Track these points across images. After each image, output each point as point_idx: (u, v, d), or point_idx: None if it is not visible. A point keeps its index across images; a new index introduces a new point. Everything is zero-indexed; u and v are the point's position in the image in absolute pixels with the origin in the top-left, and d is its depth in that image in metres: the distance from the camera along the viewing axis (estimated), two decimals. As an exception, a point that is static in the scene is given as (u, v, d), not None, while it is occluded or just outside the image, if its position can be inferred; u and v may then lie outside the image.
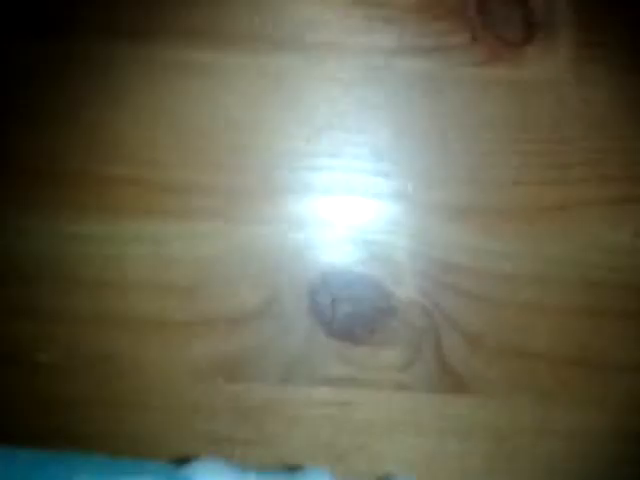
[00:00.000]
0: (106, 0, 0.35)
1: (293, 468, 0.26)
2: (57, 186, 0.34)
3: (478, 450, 0.33)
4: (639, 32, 0.34)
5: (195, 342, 0.33)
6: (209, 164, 0.34)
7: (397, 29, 0.35)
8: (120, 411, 0.32)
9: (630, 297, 0.33)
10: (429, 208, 0.34)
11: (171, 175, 0.34)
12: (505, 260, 0.33)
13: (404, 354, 0.33)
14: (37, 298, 0.33)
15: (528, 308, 0.33)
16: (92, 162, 0.34)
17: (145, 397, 0.33)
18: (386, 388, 0.33)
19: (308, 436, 0.33)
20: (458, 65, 0.34)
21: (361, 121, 0.34)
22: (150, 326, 0.33)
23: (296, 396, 0.33)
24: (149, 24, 0.35)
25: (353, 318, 0.33)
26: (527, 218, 0.33)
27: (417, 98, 0.34)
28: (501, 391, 0.33)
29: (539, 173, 0.34)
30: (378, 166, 0.34)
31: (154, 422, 0.32)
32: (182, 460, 0.25)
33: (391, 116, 0.34)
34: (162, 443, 0.32)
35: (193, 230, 0.34)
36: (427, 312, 0.33)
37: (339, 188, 0.34)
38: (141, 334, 0.33)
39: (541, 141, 0.34)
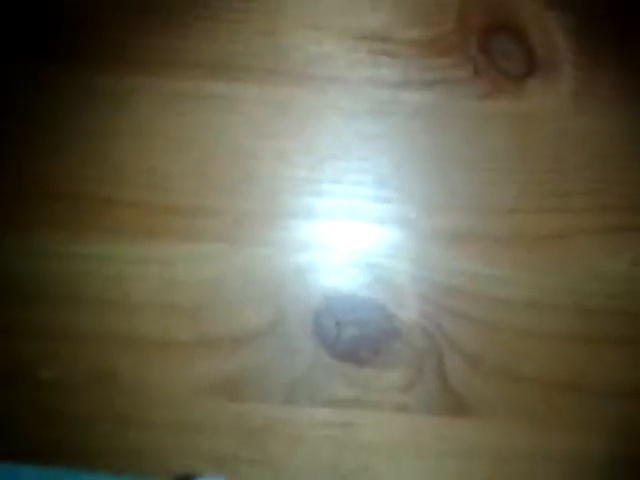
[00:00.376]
0: (118, 30, 0.36)
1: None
2: (64, 207, 0.34)
3: (477, 472, 0.33)
4: (638, 65, 0.36)
5: (198, 362, 0.33)
6: (214, 188, 0.35)
7: (401, 63, 0.36)
8: (122, 428, 0.32)
9: (627, 324, 0.34)
10: (430, 234, 0.34)
11: (176, 198, 0.35)
12: (503, 285, 0.34)
13: (406, 375, 0.33)
14: (39, 317, 0.34)
15: (524, 333, 0.34)
16: (96, 185, 0.34)
17: (147, 415, 0.33)
18: (388, 410, 0.33)
19: (311, 457, 0.33)
20: (460, 98, 0.36)
21: (364, 150, 0.35)
22: (153, 346, 0.33)
23: (299, 417, 0.33)
24: (155, 54, 0.36)
25: (357, 340, 0.33)
26: (525, 245, 0.34)
27: (419, 129, 0.35)
28: (499, 414, 0.33)
29: (539, 202, 0.35)
30: (380, 193, 0.35)
31: (156, 440, 0.32)
32: (184, 478, 0.25)
33: (394, 146, 0.35)
34: (164, 461, 0.32)
35: (197, 252, 0.34)
36: (429, 334, 0.33)
37: (342, 213, 0.35)
38: (144, 354, 0.33)
39: (542, 171, 0.35)
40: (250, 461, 0.33)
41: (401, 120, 0.35)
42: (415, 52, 0.36)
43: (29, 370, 0.33)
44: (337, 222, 0.35)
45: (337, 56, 0.36)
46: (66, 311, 0.34)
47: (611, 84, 0.36)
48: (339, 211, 0.35)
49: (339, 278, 0.34)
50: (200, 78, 0.35)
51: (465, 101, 0.36)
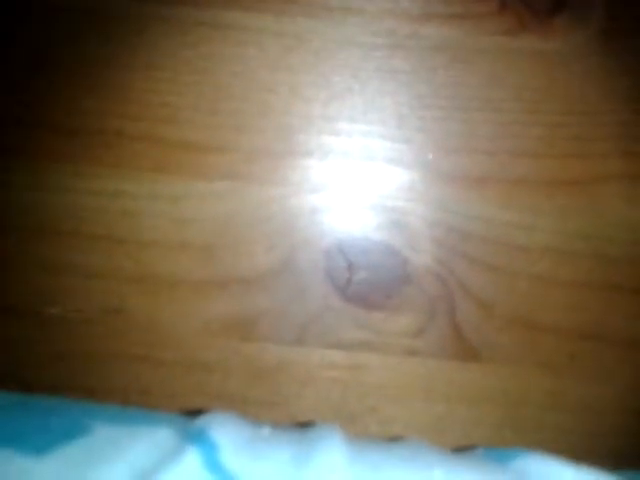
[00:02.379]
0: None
1: (305, 426, 0.26)
2: (74, 141, 0.33)
3: (486, 418, 0.33)
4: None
5: (209, 301, 0.33)
6: (227, 123, 0.34)
7: (424, -6, 0.34)
8: (132, 366, 0.33)
9: (644, 272, 0.33)
10: (448, 176, 0.33)
11: (189, 134, 0.34)
12: (521, 231, 0.33)
13: (418, 320, 0.33)
14: (48, 252, 0.33)
15: (542, 280, 0.33)
16: (106, 117, 0.34)
17: (158, 353, 0.33)
18: (399, 353, 0.33)
19: (320, 397, 0.33)
20: (485, 34, 0.34)
21: (382, 86, 0.34)
22: (163, 284, 0.33)
23: (309, 358, 0.33)
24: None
25: (369, 283, 0.33)
26: (545, 190, 0.33)
27: (441, 66, 0.34)
28: (511, 360, 0.33)
29: (561, 145, 0.34)
30: (398, 132, 0.34)
31: (166, 377, 0.33)
32: (195, 413, 0.26)
33: (413, 82, 0.34)
34: (174, 399, 0.33)
35: (208, 189, 0.33)
36: (442, 279, 0.33)
37: (358, 153, 0.34)
38: (154, 292, 0.33)
39: (566, 113, 0.34)
40: (259, 401, 0.33)
41: (422, 55, 0.34)
42: (439, -17, 0.34)
43: (39, 305, 0.33)
44: (353, 162, 0.34)
45: (357, -14, 0.34)
46: (75, 247, 0.33)
47: (643, 24, 0.34)
48: (355, 151, 0.34)
49: (353, 220, 0.33)
50: (215, 7, 0.34)
51: (489, 37, 0.34)
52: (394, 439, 0.28)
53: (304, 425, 0.27)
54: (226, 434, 0.23)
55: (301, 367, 0.33)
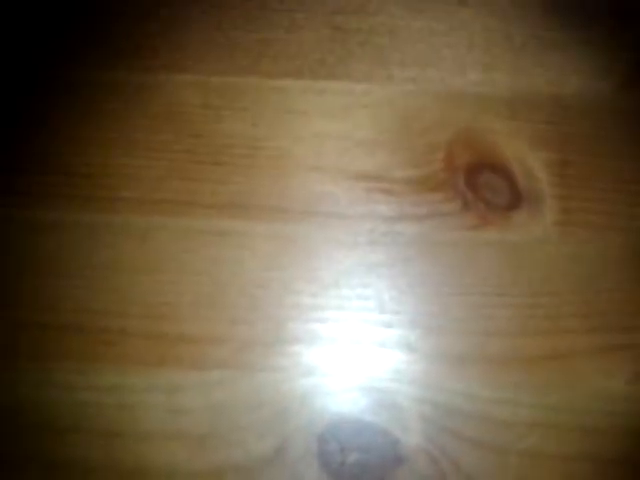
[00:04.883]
0: (144, 174, 0.39)
1: None
2: (78, 340, 0.36)
3: None
4: (619, 196, 0.39)
5: (203, 491, 0.33)
6: (223, 317, 0.36)
7: (396, 200, 0.39)
8: None
9: (628, 442, 0.34)
10: (430, 356, 0.35)
11: (186, 327, 0.36)
12: (504, 407, 0.34)
13: (412, 501, 0.33)
14: (52, 448, 0.34)
15: (529, 455, 0.34)
16: (108, 317, 0.36)
17: None
18: (395, 537, 0.32)
19: None
20: (451, 229, 0.38)
21: (365, 278, 0.37)
22: (161, 476, 0.33)
23: None
24: (172, 196, 0.39)
25: (362, 466, 0.33)
26: (524, 367, 0.35)
27: (415, 258, 0.38)
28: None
29: (531, 325, 0.36)
30: (381, 318, 0.36)
31: None
32: None
33: (392, 273, 0.37)
34: None
35: (204, 379, 0.35)
36: (433, 458, 0.33)
37: (345, 338, 0.36)
38: (150, 484, 0.33)
39: (533, 295, 0.37)
40: None
41: (398, 250, 0.38)
42: (408, 189, 0.39)
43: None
44: (340, 347, 0.36)
45: (337, 194, 0.39)
46: (75, 442, 0.34)
47: (594, 213, 0.38)
48: (342, 336, 0.36)
49: (343, 403, 0.35)
50: (213, 217, 0.38)
51: (456, 232, 0.38)
52: None
53: None
54: None
55: None
